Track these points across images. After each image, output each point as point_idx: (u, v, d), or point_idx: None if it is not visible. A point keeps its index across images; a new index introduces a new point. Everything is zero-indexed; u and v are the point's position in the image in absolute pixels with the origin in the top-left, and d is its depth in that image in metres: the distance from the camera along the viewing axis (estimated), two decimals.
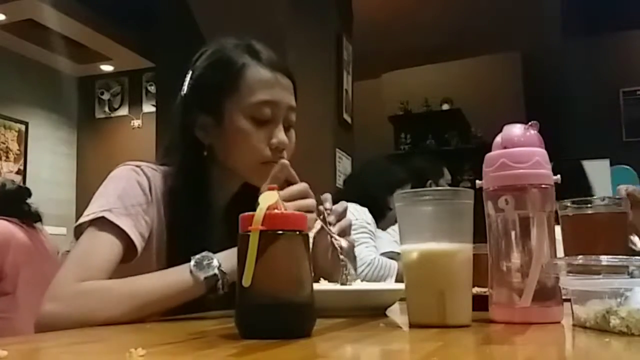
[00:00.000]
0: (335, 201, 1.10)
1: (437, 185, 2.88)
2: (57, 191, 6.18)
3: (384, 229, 2.54)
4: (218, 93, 1.08)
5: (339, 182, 3.84)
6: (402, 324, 0.82)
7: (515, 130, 0.80)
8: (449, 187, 2.56)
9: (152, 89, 6.16)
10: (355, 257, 1.07)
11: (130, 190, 1.03)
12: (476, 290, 0.82)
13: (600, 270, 0.69)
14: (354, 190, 2.54)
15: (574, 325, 0.72)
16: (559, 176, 0.78)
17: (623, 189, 1.21)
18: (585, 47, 5.72)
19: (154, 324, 0.88)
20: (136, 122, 6.51)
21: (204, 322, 0.86)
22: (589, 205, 0.98)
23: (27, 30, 5.37)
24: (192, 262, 0.92)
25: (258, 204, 0.65)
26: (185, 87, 1.13)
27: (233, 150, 1.10)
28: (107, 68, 6.43)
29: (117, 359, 0.54)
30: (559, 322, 0.75)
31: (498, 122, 0.89)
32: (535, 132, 0.79)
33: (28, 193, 2.00)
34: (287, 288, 0.64)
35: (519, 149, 0.77)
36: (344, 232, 1.08)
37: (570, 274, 0.71)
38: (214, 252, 0.94)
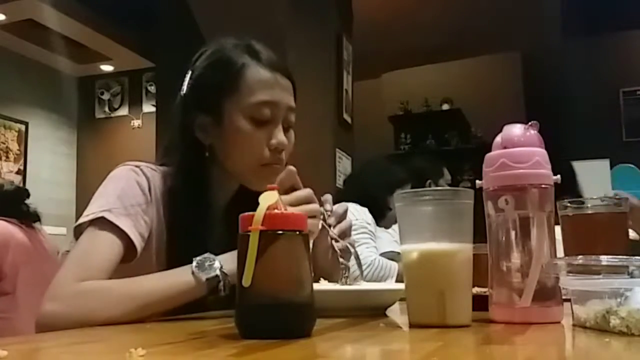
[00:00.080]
0: (335, 201, 1.10)
1: (437, 185, 2.88)
2: (57, 191, 6.18)
3: (386, 227, 2.54)
4: (218, 93, 1.08)
5: (339, 182, 3.84)
6: (402, 324, 0.82)
7: (515, 130, 0.80)
8: (449, 187, 2.56)
9: (152, 89, 6.16)
10: (358, 257, 1.07)
11: (129, 191, 1.03)
12: (476, 290, 0.82)
13: (600, 270, 0.69)
14: (354, 190, 2.54)
15: (574, 325, 0.72)
16: (559, 176, 0.78)
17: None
18: (585, 47, 5.72)
19: (154, 324, 0.87)
20: (136, 122, 6.51)
21: (204, 322, 0.86)
22: (589, 205, 0.98)
23: (27, 30, 5.37)
24: (194, 263, 0.92)
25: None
26: (184, 87, 1.13)
27: (232, 151, 1.10)
28: (107, 68, 6.43)
29: (117, 359, 0.54)
30: (559, 322, 0.75)
31: (498, 122, 0.89)
32: (535, 132, 0.79)
33: (27, 193, 2.01)
34: (287, 288, 0.64)
35: (519, 149, 0.77)
36: (344, 234, 1.08)
37: (570, 274, 0.71)
38: (214, 253, 0.94)
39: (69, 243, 1.10)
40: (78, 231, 0.99)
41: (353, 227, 1.15)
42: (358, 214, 2.35)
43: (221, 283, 0.91)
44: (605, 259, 0.69)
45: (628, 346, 0.59)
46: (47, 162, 6.31)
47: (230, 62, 1.09)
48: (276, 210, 0.65)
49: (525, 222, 0.76)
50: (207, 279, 0.91)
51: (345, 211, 1.11)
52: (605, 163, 4.75)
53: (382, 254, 2.36)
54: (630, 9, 5.20)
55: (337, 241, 1.04)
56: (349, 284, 0.99)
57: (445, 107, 6.26)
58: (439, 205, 0.74)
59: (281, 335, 0.62)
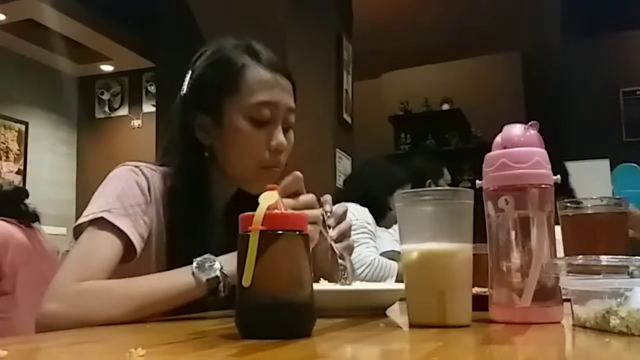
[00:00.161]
0: (335, 201, 1.10)
1: (437, 185, 2.88)
2: (57, 191, 6.18)
3: (387, 227, 2.53)
4: (217, 93, 1.08)
5: (339, 182, 3.84)
6: (402, 324, 0.82)
7: (515, 130, 0.80)
8: (449, 187, 2.56)
9: (152, 89, 6.16)
10: (352, 263, 1.07)
11: (129, 191, 1.03)
12: (476, 290, 0.82)
13: (600, 270, 0.69)
14: (354, 191, 2.54)
15: (574, 325, 0.72)
16: (558, 176, 0.78)
17: None
18: (585, 47, 5.72)
19: (154, 324, 0.87)
20: (136, 122, 6.51)
21: (204, 322, 0.86)
22: (589, 205, 0.98)
23: (27, 30, 5.37)
24: (194, 264, 0.92)
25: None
26: (184, 87, 1.13)
27: (232, 151, 1.09)
28: (107, 68, 6.42)
29: (117, 359, 0.54)
30: (559, 322, 0.75)
31: (498, 122, 0.89)
32: (535, 132, 0.79)
33: (26, 194, 2.01)
34: (287, 288, 0.64)
35: (519, 149, 0.77)
36: (344, 235, 1.07)
37: (570, 274, 0.71)
38: (214, 253, 0.94)
39: (69, 243, 1.10)
40: (78, 231, 0.99)
41: (353, 227, 1.15)
42: (358, 214, 2.35)
43: (221, 284, 0.91)
44: (605, 259, 0.69)
45: (628, 346, 0.59)
46: (47, 162, 6.31)
47: (230, 63, 1.09)
48: (276, 210, 0.65)
49: (525, 222, 0.76)
50: (208, 280, 0.91)
51: (345, 212, 1.10)
52: (605, 163, 4.74)
53: (382, 253, 2.36)
54: (630, 9, 5.20)
55: (336, 242, 1.04)
56: (349, 284, 0.98)
57: (445, 107, 6.26)
58: (439, 205, 0.74)
59: (281, 335, 0.62)
